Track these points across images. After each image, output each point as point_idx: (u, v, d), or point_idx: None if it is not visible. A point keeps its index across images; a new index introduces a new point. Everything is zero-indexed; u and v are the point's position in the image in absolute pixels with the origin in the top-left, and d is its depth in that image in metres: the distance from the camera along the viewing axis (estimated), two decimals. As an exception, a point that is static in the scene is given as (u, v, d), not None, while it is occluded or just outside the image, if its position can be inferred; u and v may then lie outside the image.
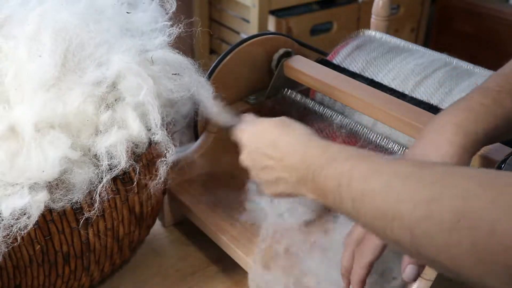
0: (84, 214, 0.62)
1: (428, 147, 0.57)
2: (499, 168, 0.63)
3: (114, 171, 0.62)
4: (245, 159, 0.63)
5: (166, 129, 0.67)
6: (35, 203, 0.57)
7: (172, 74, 0.69)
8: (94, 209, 0.62)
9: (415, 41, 2.25)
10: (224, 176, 0.88)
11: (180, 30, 0.71)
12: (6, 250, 0.57)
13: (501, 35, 2.04)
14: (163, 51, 0.70)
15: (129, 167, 0.64)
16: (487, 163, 0.65)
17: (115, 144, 0.63)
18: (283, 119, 0.62)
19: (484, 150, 0.66)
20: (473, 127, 0.55)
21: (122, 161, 0.62)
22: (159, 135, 0.65)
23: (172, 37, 0.70)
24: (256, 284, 0.71)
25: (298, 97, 0.89)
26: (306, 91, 0.91)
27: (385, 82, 0.84)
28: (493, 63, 0.85)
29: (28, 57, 0.62)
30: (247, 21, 1.94)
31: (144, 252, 0.81)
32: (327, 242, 0.73)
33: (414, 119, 0.72)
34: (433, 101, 0.79)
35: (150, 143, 0.67)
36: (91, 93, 0.63)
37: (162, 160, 0.66)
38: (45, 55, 0.62)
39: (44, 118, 0.61)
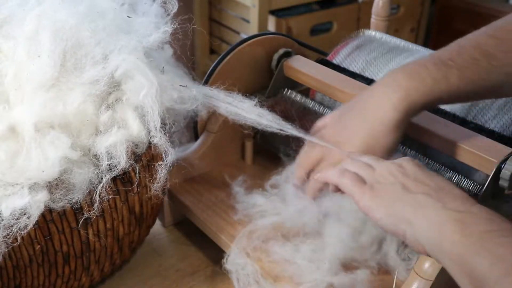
0: (84, 214, 0.62)
1: (376, 104, 0.64)
2: (499, 168, 0.63)
3: (114, 171, 0.62)
4: (384, 169, 0.59)
5: (167, 133, 0.67)
6: (35, 203, 0.57)
7: (180, 85, 0.69)
8: (94, 209, 0.62)
9: (415, 41, 2.25)
10: (224, 176, 0.88)
11: (180, 30, 0.71)
12: (6, 250, 0.57)
13: (501, 35, 2.03)
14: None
15: (129, 167, 0.64)
16: (487, 163, 0.65)
17: (115, 144, 0.63)
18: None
19: (484, 150, 0.66)
20: (418, 97, 0.62)
21: (122, 161, 0.62)
22: (158, 138, 0.65)
23: (169, 35, 0.70)
24: (233, 266, 0.72)
25: (298, 97, 0.89)
26: (306, 91, 0.91)
27: (385, 82, 0.84)
28: (493, 63, 0.85)
29: (27, 57, 0.62)
30: (247, 21, 1.94)
31: (144, 252, 0.81)
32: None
33: (413, 119, 0.72)
34: (433, 101, 0.79)
35: (150, 143, 0.67)
36: (91, 93, 0.63)
37: (160, 164, 0.66)
38: (44, 55, 0.62)
39: (44, 118, 0.61)
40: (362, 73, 0.87)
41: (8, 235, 0.56)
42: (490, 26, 0.64)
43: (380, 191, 0.57)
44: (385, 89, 0.64)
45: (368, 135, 0.64)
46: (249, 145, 0.92)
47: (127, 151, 0.63)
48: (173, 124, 0.71)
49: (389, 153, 0.64)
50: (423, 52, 0.89)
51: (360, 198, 0.57)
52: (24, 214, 0.57)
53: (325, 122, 0.71)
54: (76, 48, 0.63)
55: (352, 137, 0.66)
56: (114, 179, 0.64)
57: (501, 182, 0.64)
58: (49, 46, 0.62)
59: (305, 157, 0.71)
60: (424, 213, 0.53)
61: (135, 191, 0.67)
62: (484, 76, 0.61)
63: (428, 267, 0.60)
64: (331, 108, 0.86)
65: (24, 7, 0.65)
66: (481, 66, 0.61)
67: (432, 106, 0.65)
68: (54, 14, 0.64)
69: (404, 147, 0.76)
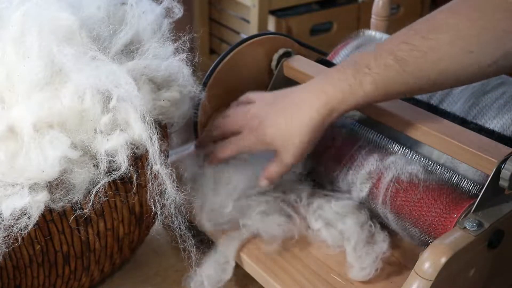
0: (84, 214, 0.62)
1: (302, 105, 0.71)
2: (499, 168, 0.63)
3: (114, 174, 0.62)
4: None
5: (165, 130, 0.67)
6: (35, 203, 0.57)
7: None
8: (94, 209, 0.62)
9: (415, 41, 2.25)
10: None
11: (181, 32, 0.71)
12: (7, 250, 0.57)
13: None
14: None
15: (129, 167, 0.64)
16: (487, 163, 0.65)
17: (115, 143, 0.62)
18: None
19: (484, 150, 0.66)
20: (337, 104, 0.68)
21: (123, 166, 0.62)
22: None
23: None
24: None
25: (298, 97, 0.89)
26: (306, 91, 0.91)
27: (385, 82, 0.84)
28: (493, 63, 0.84)
29: (17, 59, 0.61)
30: (247, 21, 1.94)
31: (144, 252, 0.81)
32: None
33: (413, 119, 0.72)
34: (433, 101, 0.79)
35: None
36: (89, 90, 0.62)
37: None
38: (33, 56, 0.61)
39: (42, 117, 0.60)
40: (362, 73, 0.87)
41: (8, 235, 0.56)
42: (407, 30, 0.66)
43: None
44: (310, 94, 0.71)
45: (286, 130, 0.71)
46: (249, 145, 0.92)
47: (128, 151, 0.63)
48: (172, 124, 0.71)
49: (300, 154, 0.72)
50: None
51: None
52: (24, 214, 0.57)
53: (255, 99, 0.79)
54: (67, 45, 0.62)
55: (272, 125, 0.73)
56: (114, 180, 0.64)
57: (501, 182, 0.64)
58: (38, 46, 0.61)
59: (227, 123, 0.79)
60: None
61: (135, 192, 0.67)
62: (398, 81, 0.65)
63: (428, 267, 0.60)
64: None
65: (9, 8, 0.64)
66: (394, 72, 0.64)
67: (351, 110, 0.69)
68: (39, 12, 0.63)
69: (400, 145, 0.76)
